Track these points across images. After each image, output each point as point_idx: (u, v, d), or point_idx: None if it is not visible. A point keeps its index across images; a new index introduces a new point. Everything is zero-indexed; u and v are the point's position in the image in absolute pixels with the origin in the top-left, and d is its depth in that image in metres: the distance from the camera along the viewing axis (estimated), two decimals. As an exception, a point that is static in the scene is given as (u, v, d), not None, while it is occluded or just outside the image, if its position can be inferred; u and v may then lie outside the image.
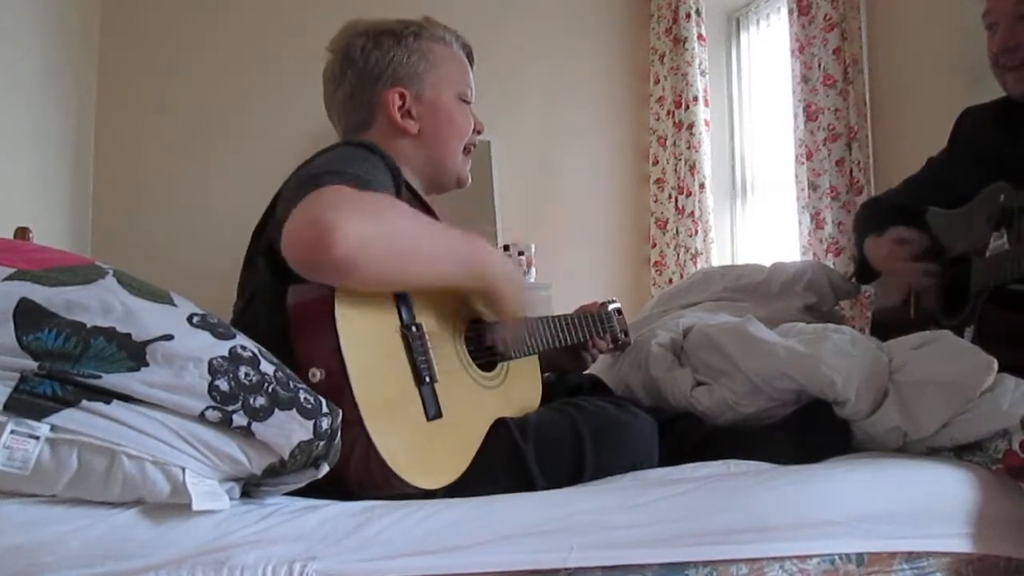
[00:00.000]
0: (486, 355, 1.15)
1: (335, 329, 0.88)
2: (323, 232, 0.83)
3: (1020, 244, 1.27)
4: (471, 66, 1.35)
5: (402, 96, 1.25)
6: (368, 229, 0.86)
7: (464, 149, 1.32)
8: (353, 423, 0.86)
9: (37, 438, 0.72)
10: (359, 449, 0.87)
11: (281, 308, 0.94)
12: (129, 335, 0.76)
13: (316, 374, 0.88)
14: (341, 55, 1.27)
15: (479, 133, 1.34)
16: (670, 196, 3.53)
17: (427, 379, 0.97)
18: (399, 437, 0.91)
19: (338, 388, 0.86)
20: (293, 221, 0.86)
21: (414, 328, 0.98)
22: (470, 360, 1.10)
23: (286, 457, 0.80)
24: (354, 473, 0.89)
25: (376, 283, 0.93)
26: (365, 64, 1.25)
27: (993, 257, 1.32)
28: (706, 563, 0.88)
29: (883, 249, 1.55)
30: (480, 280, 1.04)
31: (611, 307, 1.47)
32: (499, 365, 1.17)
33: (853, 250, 1.95)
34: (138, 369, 0.76)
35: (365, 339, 0.92)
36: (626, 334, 1.49)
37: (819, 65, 2.67)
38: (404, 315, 0.98)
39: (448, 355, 1.06)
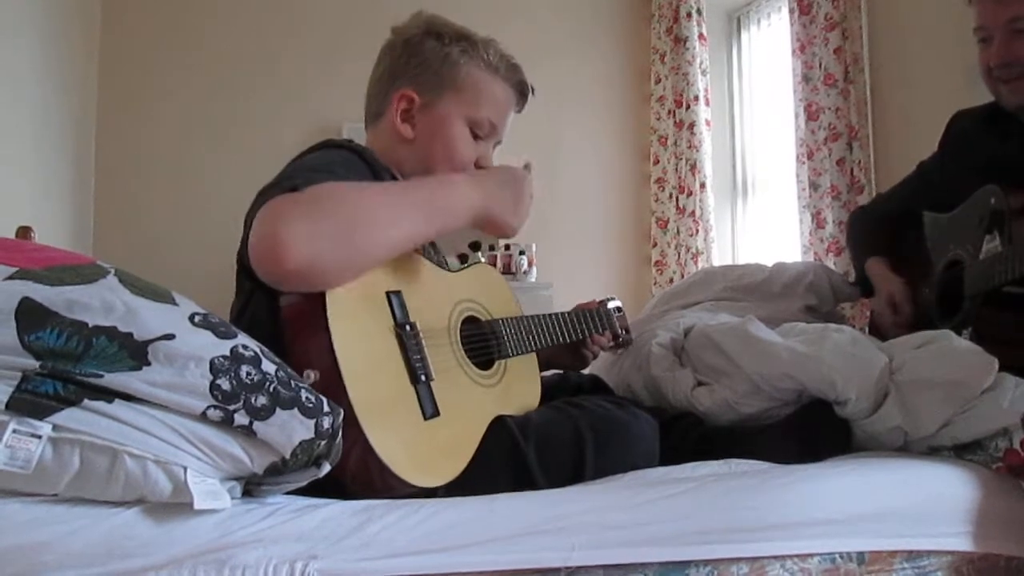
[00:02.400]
0: (483, 353, 1.15)
1: (327, 329, 0.88)
2: (273, 249, 0.83)
3: (1012, 246, 1.28)
4: (518, 107, 1.31)
5: (411, 100, 1.22)
6: (314, 235, 0.85)
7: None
8: (349, 423, 0.86)
9: (39, 437, 0.72)
10: (356, 449, 0.87)
11: (274, 308, 0.94)
12: (131, 334, 0.76)
13: (310, 375, 0.87)
14: (394, 39, 1.26)
15: (479, 168, 1.28)
16: (671, 195, 3.53)
17: (423, 378, 0.97)
18: (396, 436, 0.91)
19: (332, 388, 0.86)
20: (251, 241, 0.86)
21: (408, 327, 0.98)
22: (467, 358, 1.10)
23: (287, 456, 0.80)
24: (352, 474, 0.88)
25: (347, 275, 0.91)
26: (399, 56, 1.24)
27: (987, 259, 1.32)
28: (707, 562, 0.88)
29: (880, 304, 1.59)
30: (465, 218, 1.04)
31: (611, 304, 1.47)
32: (496, 363, 1.17)
33: (851, 260, 1.96)
34: (140, 368, 0.76)
35: (358, 338, 0.92)
36: (627, 331, 1.49)
37: (820, 64, 2.67)
38: (397, 313, 0.98)
39: (444, 353, 1.06)
